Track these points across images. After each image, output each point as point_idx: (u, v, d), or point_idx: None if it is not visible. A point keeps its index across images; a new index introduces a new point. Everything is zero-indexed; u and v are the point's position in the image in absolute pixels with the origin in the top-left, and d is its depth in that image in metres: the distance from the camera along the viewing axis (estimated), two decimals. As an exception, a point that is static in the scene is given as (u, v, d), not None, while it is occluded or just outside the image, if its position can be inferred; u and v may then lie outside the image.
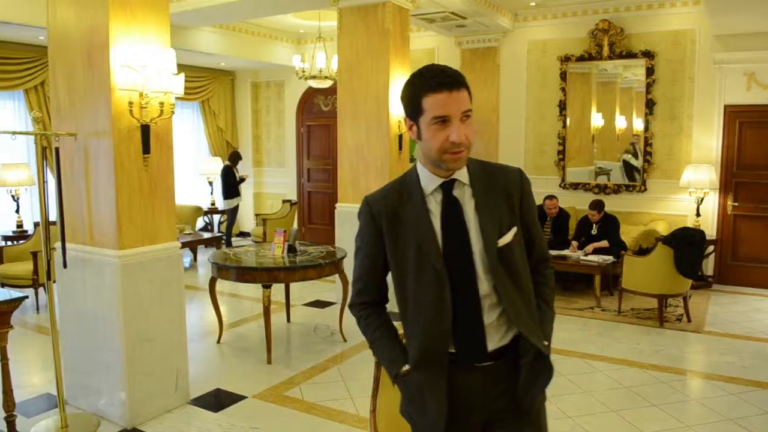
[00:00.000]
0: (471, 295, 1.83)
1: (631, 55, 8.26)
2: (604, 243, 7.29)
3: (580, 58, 8.58)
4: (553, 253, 7.33)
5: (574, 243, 7.48)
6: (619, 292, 6.83)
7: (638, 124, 8.39)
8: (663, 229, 7.59)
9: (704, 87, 7.97)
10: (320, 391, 4.69)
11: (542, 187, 8.56)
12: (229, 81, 11.91)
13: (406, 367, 1.90)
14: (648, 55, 8.16)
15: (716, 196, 7.99)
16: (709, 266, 8.07)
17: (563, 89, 8.74)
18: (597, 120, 8.70)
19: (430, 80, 1.74)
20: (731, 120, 7.89)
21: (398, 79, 6.75)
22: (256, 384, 4.79)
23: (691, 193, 7.88)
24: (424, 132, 1.78)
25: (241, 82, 12.06)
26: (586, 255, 7.22)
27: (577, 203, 8.32)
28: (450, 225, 1.85)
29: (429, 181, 1.87)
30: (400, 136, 6.87)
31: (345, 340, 5.80)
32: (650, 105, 8.25)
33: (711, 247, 7.90)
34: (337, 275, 5.69)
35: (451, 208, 1.85)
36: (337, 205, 7.10)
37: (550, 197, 7.76)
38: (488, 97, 9.25)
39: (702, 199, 7.85)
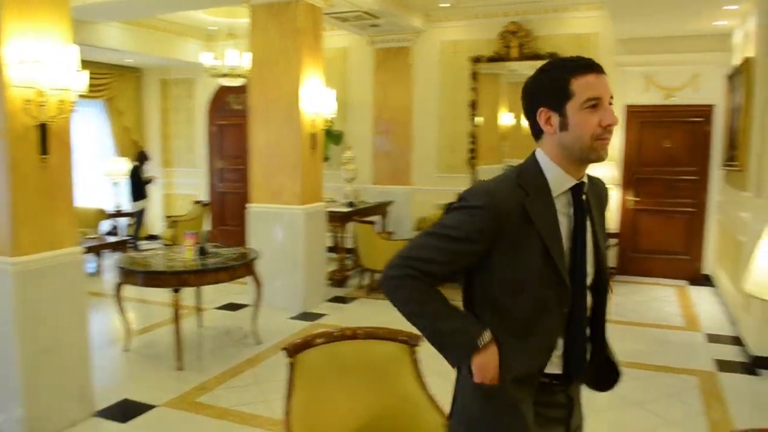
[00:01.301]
0: (581, 312, 1.71)
1: (539, 56, 8.50)
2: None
3: (491, 59, 8.77)
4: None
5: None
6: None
7: (546, 124, 8.67)
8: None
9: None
10: (234, 395, 4.58)
11: (454, 185, 8.71)
12: (135, 78, 11.47)
13: (489, 335, 1.66)
14: (554, 56, 8.44)
15: (619, 191, 8.38)
16: (612, 259, 8.44)
17: (474, 89, 8.91)
18: (507, 119, 8.94)
19: (575, 62, 1.64)
20: (632, 119, 8.30)
21: (311, 78, 6.70)
22: (166, 392, 4.62)
23: (595, 189, 8.21)
24: (573, 118, 1.62)
25: (148, 80, 11.64)
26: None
27: (489, 201, 8.50)
28: (577, 235, 1.69)
29: (561, 181, 1.68)
30: (314, 135, 6.81)
31: (259, 343, 5.70)
32: (557, 105, 8.53)
33: (614, 241, 8.27)
34: (250, 277, 5.58)
35: (580, 215, 1.70)
36: (248, 205, 6.96)
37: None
38: (401, 97, 9.32)
39: (605, 195, 8.20)
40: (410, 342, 2.64)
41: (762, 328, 5.11)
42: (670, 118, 8.11)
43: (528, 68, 8.65)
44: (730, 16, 6.68)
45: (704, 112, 8.01)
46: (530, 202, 1.62)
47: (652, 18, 6.89)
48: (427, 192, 9.24)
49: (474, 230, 1.63)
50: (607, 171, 8.00)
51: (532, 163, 1.71)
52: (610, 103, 1.67)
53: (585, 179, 1.73)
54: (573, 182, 1.68)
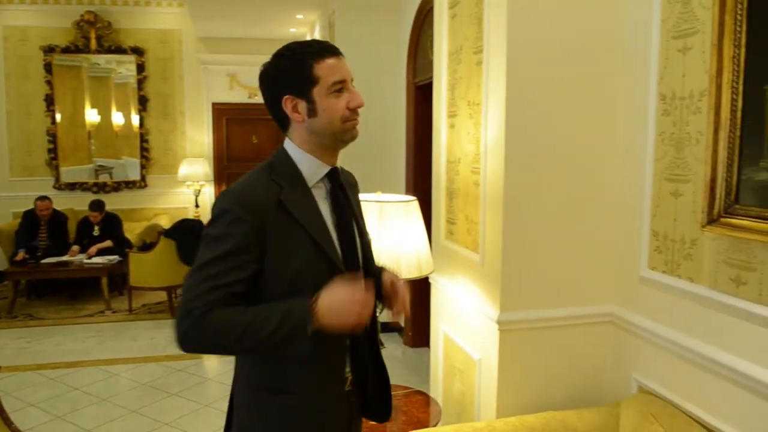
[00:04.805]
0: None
1: (121, 50, 8.18)
2: (108, 243, 7.05)
3: (67, 50, 8.08)
4: (53, 260, 6.78)
5: (75, 247, 7.02)
6: (128, 291, 6.75)
7: (136, 120, 8.39)
8: (166, 222, 7.78)
9: (193, 85, 8.45)
10: None
11: (34, 189, 7.82)
12: None
13: (311, 300, 1.45)
14: (138, 51, 8.21)
15: (212, 187, 8.61)
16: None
17: (49, 82, 8.10)
18: (93, 116, 8.34)
19: (314, 47, 1.57)
20: (219, 116, 8.62)
21: None
22: None
23: (189, 185, 8.30)
24: (321, 104, 1.55)
25: None
26: (90, 258, 6.88)
27: (76, 204, 7.87)
28: (342, 221, 1.64)
29: (314, 169, 1.62)
30: None
31: None
32: (144, 101, 8.33)
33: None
34: None
35: (342, 201, 1.66)
36: None
37: (42, 198, 7.08)
38: (-44, 88, 7.95)
39: (199, 191, 8.35)
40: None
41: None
42: (255, 116, 8.60)
43: (113, 62, 8.25)
44: (301, 24, 7.42)
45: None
46: (286, 196, 1.54)
47: (230, 20, 7.22)
48: (0, 199, 8.06)
49: (235, 233, 1.47)
50: (198, 168, 8.17)
51: (283, 155, 1.63)
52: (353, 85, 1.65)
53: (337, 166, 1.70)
54: (327, 169, 1.64)
